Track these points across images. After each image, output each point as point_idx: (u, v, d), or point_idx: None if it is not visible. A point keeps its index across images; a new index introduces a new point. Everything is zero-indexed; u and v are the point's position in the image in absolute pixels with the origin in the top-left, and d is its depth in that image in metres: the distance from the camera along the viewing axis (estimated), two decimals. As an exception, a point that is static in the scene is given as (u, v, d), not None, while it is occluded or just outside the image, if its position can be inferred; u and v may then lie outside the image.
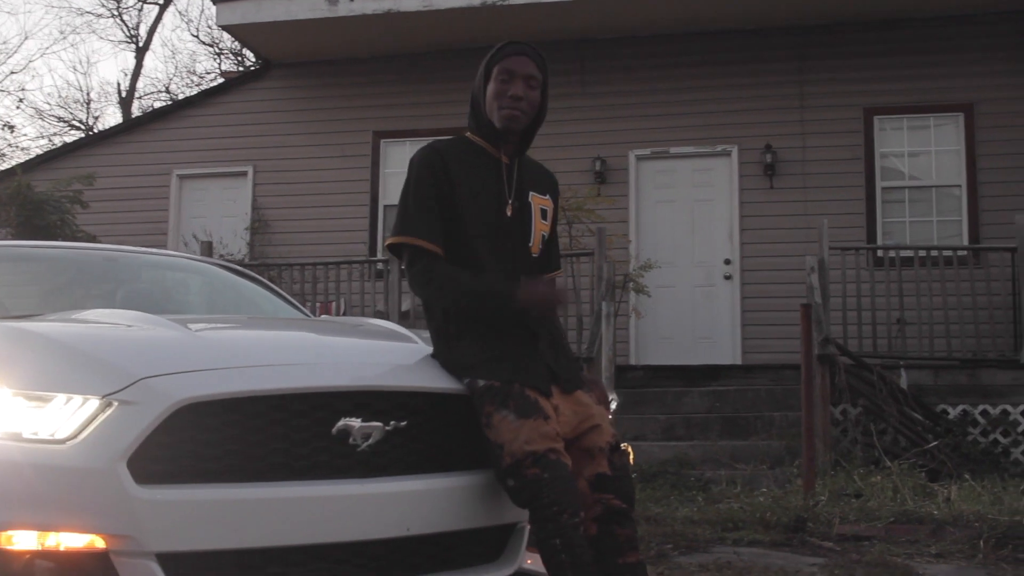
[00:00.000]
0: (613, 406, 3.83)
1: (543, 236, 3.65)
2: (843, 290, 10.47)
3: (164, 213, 13.84)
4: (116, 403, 2.93)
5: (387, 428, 3.18)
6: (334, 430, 3.10)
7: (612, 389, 8.94)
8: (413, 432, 3.25)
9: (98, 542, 2.89)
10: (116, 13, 35.98)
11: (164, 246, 13.02)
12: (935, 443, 8.87)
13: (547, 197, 3.71)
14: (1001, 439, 9.67)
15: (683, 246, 12.63)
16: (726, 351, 12.28)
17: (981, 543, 5.65)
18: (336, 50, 13.41)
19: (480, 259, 3.49)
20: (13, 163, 19.72)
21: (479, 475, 3.34)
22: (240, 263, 11.91)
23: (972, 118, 12.15)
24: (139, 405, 2.93)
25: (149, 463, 2.90)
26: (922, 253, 10.75)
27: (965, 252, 11.11)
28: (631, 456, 3.55)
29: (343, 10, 12.47)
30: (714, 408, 10.38)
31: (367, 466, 3.15)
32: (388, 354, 3.63)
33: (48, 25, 50.65)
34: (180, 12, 45.73)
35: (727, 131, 12.60)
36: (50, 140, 31.37)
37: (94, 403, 2.93)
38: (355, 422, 3.13)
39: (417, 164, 3.53)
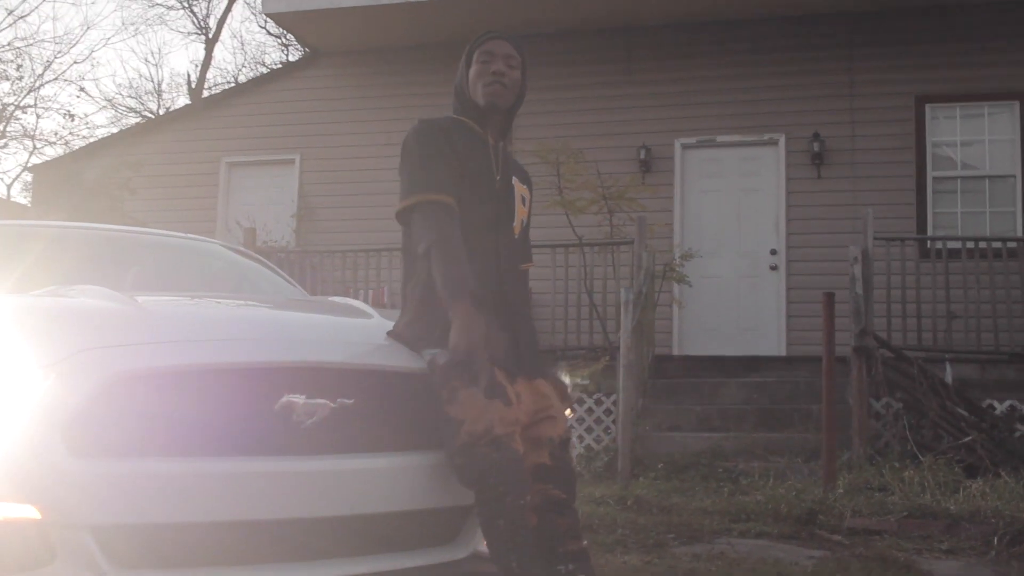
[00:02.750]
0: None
1: (523, 221, 3.66)
2: (887, 281, 10.24)
3: (213, 200, 13.96)
4: (54, 374, 2.91)
5: (333, 406, 3.13)
6: (276, 407, 3.07)
7: (630, 376, 8.83)
8: (361, 409, 3.20)
9: (33, 513, 2.88)
10: (186, 4, 36.44)
11: (212, 233, 13.12)
12: (970, 438, 8.62)
13: (525, 187, 3.74)
14: (1050, 436, 9.38)
15: (728, 236, 12.45)
16: (771, 342, 12.09)
17: (995, 540, 5.47)
18: (383, 39, 13.40)
19: (468, 228, 3.46)
20: (74, 149, 20.05)
21: (430, 455, 3.29)
22: (284, 250, 12.01)
23: (1028, 107, 11.82)
24: (76, 376, 2.91)
25: (85, 435, 2.88)
26: (970, 245, 10.46)
27: (1015, 244, 10.79)
28: (572, 453, 3.49)
29: (388, -3, 12.46)
30: (751, 400, 10.21)
31: (311, 443, 3.11)
32: (341, 330, 3.59)
33: (112, 15, 51.45)
34: (248, 3, 46.02)
35: (774, 119, 12.40)
36: (121, 129, 31.89)
37: (32, 373, 2.92)
38: (299, 399, 3.09)
39: (417, 134, 3.54)
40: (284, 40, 32.59)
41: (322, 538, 3.14)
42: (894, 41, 12.23)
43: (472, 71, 3.58)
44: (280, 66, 18.00)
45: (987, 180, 11.98)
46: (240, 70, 35.96)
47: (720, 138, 12.61)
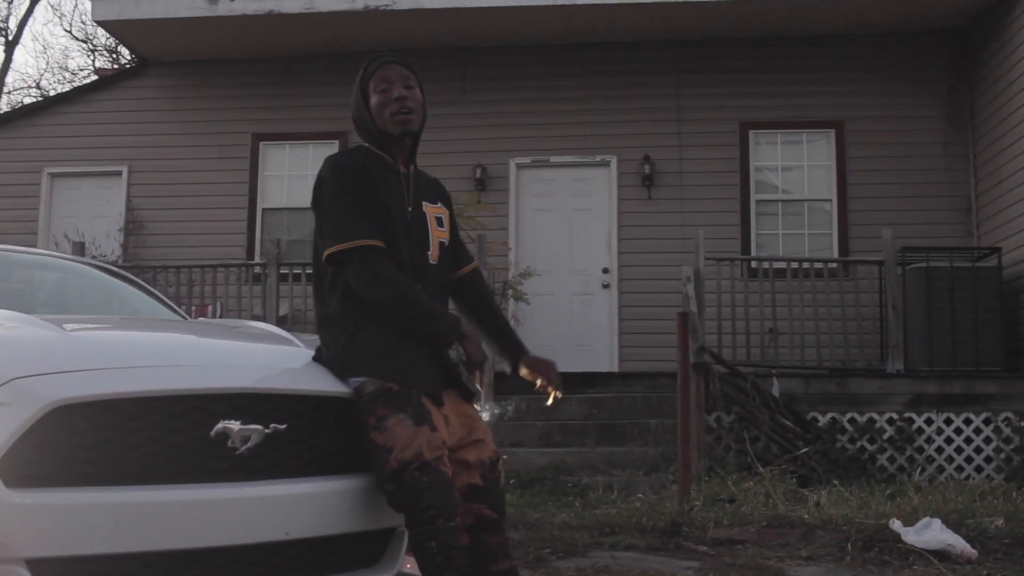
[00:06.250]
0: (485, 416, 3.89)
1: (441, 243, 3.65)
2: (718, 300, 10.66)
3: (34, 212, 13.43)
4: (-17, 404, 2.83)
5: (266, 431, 3.14)
6: (212, 433, 3.06)
7: (492, 396, 8.98)
8: (293, 435, 3.22)
9: (-37, 548, 2.79)
10: (-15, 6, 34.89)
11: (34, 246, 12.62)
12: (805, 450, 9.08)
13: (439, 206, 3.72)
14: (868, 446, 9.95)
15: (562, 254, 12.73)
16: (603, 359, 12.40)
17: (849, 546, 5.82)
18: (216, 50, 13.18)
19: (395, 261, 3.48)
20: None
21: (359, 479, 3.33)
22: (114, 264, 11.65)
23: (842, 135, 12.51)
24: (10, 406, 2.84)
25: (20, 466, 2.81)
26: (794, 265, 11.02)
27: (835, 264, 11.45)
28: (502, 473, 3.57)
29: (223, 9, 12.25)
30: (591, 415, 10.47)
31: (246, 469, 3.11)
32: (268, 357, 3.59)
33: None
34: (52, 6, 44.47)
35: (606, 141, 12.75)
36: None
37: (-43, 404, 2.83)
38: (234, 425, 3.09)
39: (337, 169, 3.52)
40: (91, 44, 31.63)
41: (259, 564, 3.14)
42: (719, 69, 12.75)
43: (373, 101, 3.54)
44: (97, 74, 17.42)
45: (805, 203, 12.62)
46: (42, 75, 34.71)
47: (554, 158, 12.88)
